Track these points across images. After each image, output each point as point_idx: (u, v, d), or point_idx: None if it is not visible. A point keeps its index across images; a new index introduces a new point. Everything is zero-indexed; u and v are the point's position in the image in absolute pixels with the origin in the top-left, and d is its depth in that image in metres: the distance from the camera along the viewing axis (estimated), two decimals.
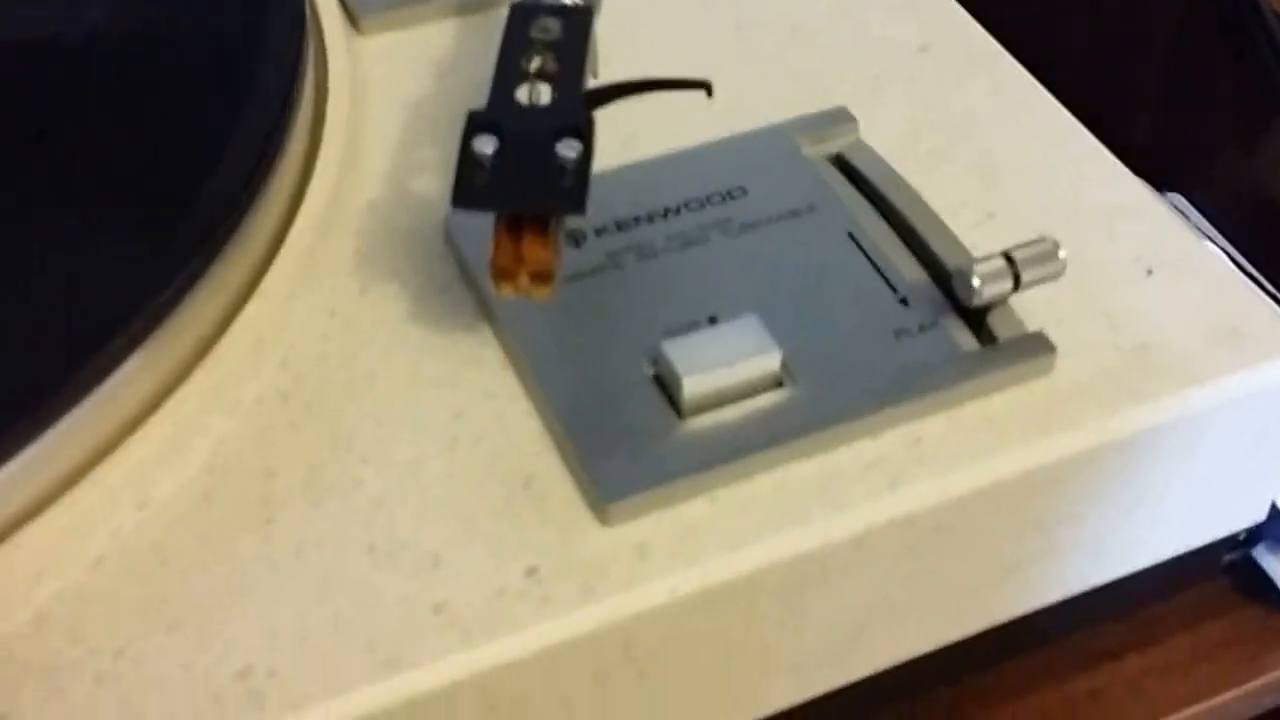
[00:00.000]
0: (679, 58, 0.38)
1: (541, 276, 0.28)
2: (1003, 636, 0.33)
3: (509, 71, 0.30)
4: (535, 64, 0.30)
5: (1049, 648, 0.35)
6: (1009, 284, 0.29)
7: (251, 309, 0.31)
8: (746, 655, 0.29)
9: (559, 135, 0.28)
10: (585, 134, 0.28)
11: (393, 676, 0.26)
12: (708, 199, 0.34)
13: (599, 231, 0.33)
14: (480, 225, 0.32)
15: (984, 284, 0.29)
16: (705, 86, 0.30)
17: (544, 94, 0.30)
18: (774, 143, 0.35)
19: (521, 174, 0.28)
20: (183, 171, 0.32)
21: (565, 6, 0.32)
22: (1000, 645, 0.33)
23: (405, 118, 0.36)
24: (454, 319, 0.32)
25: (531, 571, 0.27)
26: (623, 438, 0.29)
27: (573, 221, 0.33)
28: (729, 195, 0.34)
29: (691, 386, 0.29)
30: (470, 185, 0.28)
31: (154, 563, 0.28)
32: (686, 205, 0.34)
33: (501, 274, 0.28)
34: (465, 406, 0.30)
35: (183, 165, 0.32)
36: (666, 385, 0.30)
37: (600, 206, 0.34)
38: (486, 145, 0.28)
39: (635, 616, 0.27)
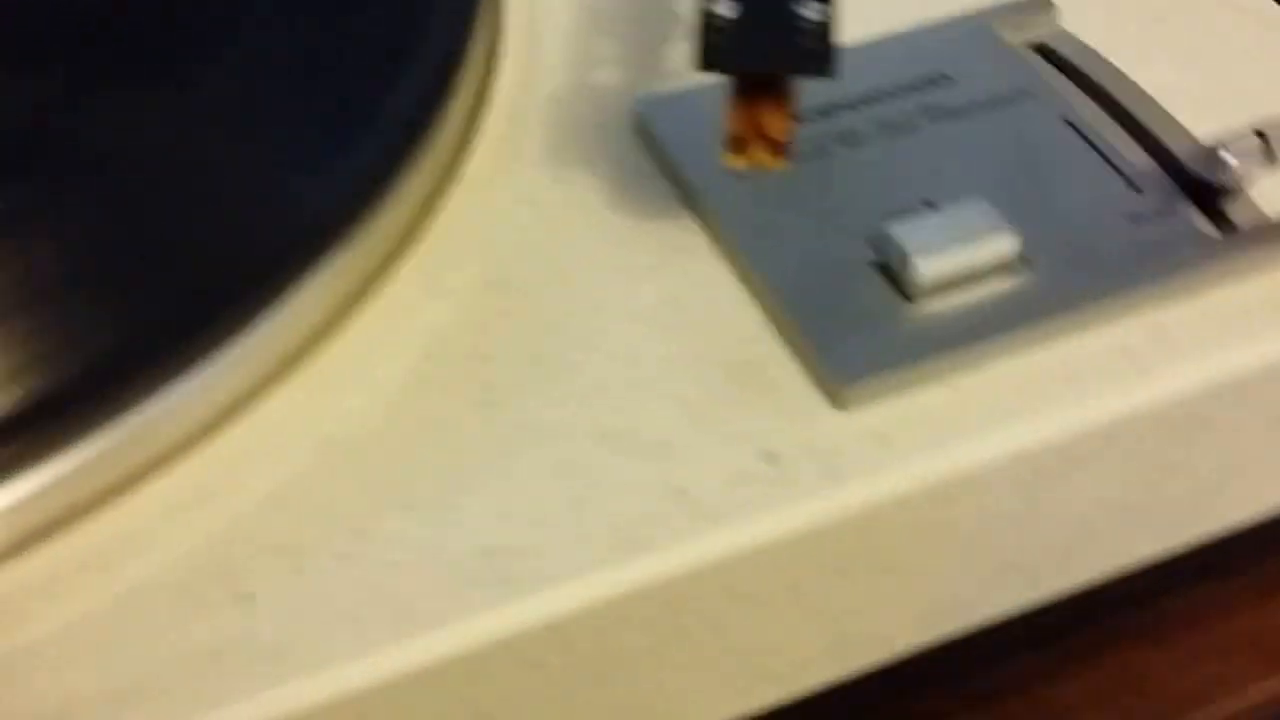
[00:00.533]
0: None
1: (779, 146, 0.27)
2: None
3: None
4: None
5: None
6: (1263, 161, 0.28)
7: (454, 197, 0.30)
8: (977, 551, 0.29)
9: None
10: None
11: (639, 559, 0.25)
12: (911, 86, 0.33)
13: (800, 119, 0.32)
14: (677, 114, 0.32)
15: (1240, 161, 0.28)
16: None
17: None
18: (974, 30, 0.34)
19: (765, 36, 0.27)
20: (382, 59, 0.31)
21: None
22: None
23: (578, 10, 0.35)
24: (654, 208, 0.31)
25: (769, 456, 0.27)
26: (852, 322, 0.28)
27: None
28: (932, 82, 0.33)
29: (924, 268, 0.28)
30: (715, 47, 0.27)
31: (381, 444, 0.27)
32: (889, 92, 0.33)
33: (736, 144, 0.27)
34: (678, 294, 0.29)
35: (382, 53, 0.31)
36: (893, 269, 0.29)
37: (806, 92, 0.33)
38: (726, 8, 0.27)
39: (878, 504, 0.26)
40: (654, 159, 0.32)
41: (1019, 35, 0.34)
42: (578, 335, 0.29)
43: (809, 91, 0.32)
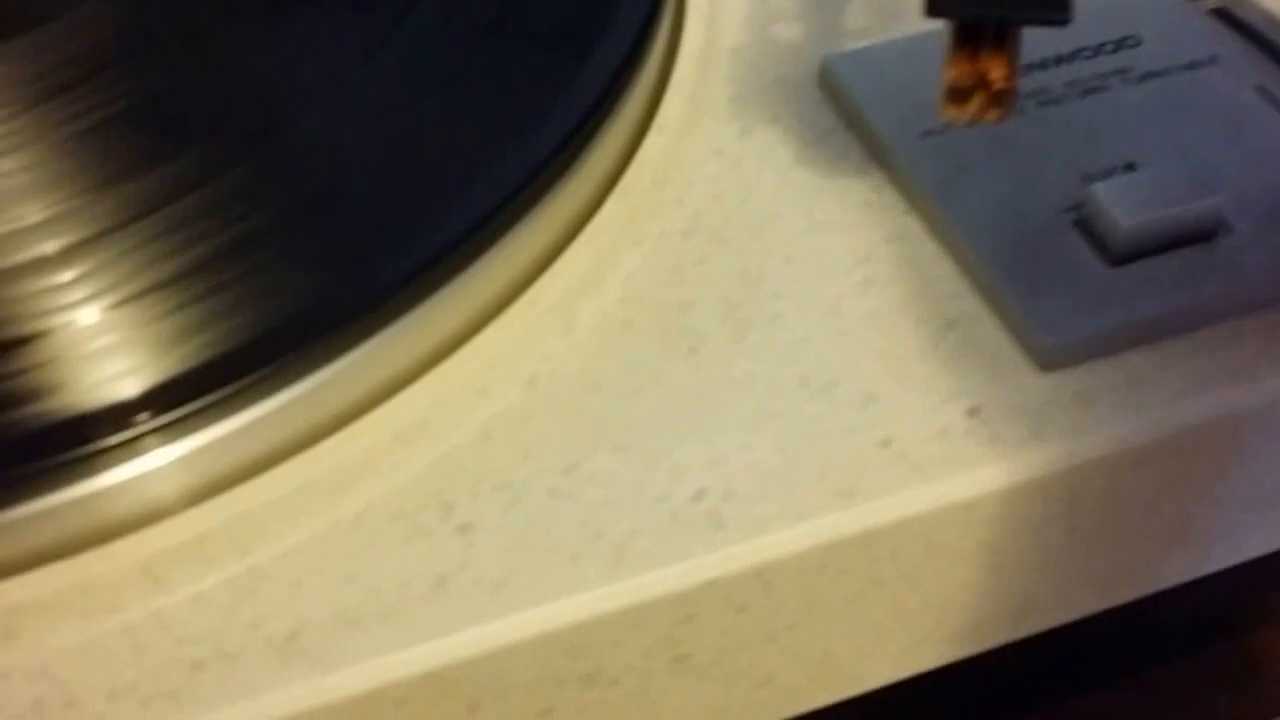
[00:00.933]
0: None
1: (1003, 96, 0.27)
2: None
3: None
4: None
5: None
6: None
7: (649, 144, 0.31)
8: (1164, 517, 0.29)
9: None
10: None
11: (851, 507, 0.25)
12: (1100, 47, 0.33)
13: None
14: (867, 69, 0.32)
15: None
16: None
17: None
18: None
19: None
20: (585, 14, 0.31)
21: None
22: None
23: None
24: (842, 163, 0.31)
25: (973, 412, 0.27)
26: (1053, 282, 0.28)
27: None
28: (1121, 44, 0.33)
29: (1128, 229, 0.28)
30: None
31: (586, 386, 0.27)
32: (1079, 53, 0.33)
33: (958, 95, 0.27)
34: (871, 249, 0.29)
35: (584, 8, 0.31)
36: (1095, 229, 0.29)
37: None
38: None
39: (1082, 465, 0.26)
40: (840, 114, 0.32)
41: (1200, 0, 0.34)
42: (774, 287, 0.29)
43: None
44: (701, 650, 0.26)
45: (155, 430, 0.23)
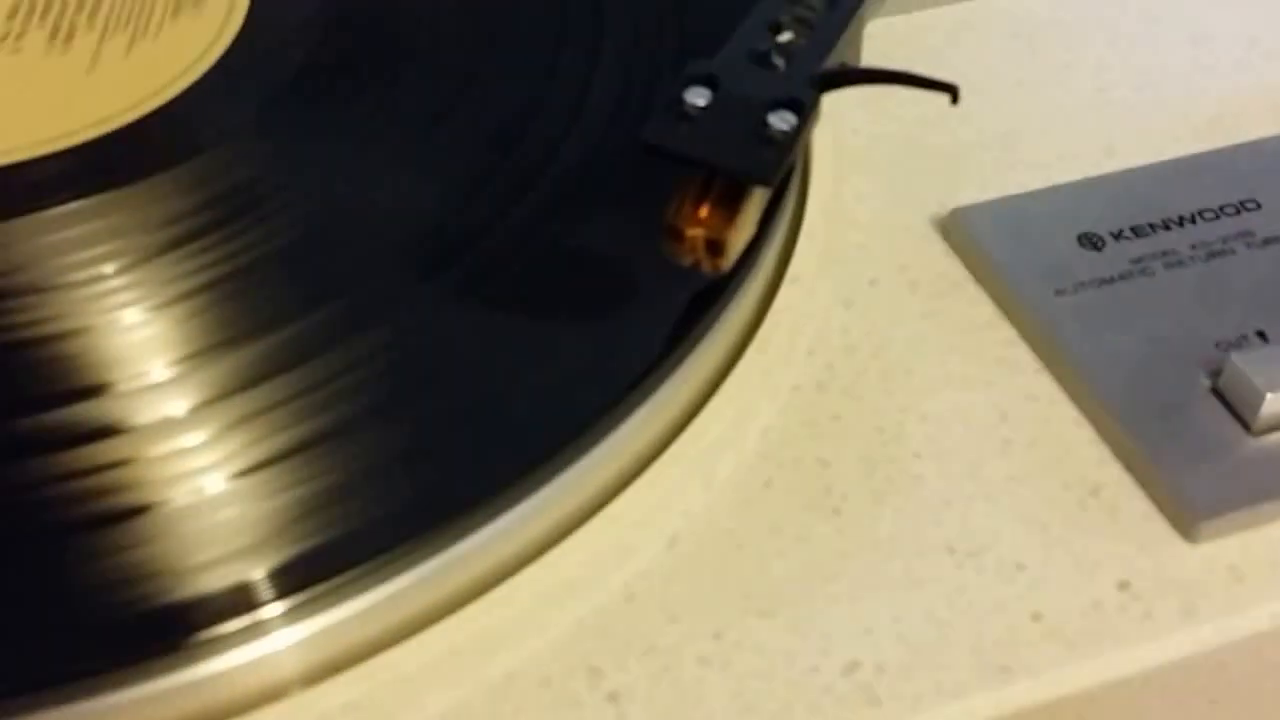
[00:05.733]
0: (1140, 73, 0.37)
1: (716, 247, 0.26)
2: None
3: (752, 37, 0.28)
4: (784, 37, 0.29)
5: None
6: None
7: (783, 296, 0.30)
8: None
9: (776, 106, 0.27)
10: (804, 110, 0.27)
11: (1006, 686, 0.25)
12: (1220, 209, 0.33)
13: (1117, 235, 0.32)
14: (997, 224, 0.32)
15: None
16: (952, 90, 0.28)
17: (779, 66, 0.28)
18: (1275, 154, 0.34)
19: (725, 133, 0.26)
20: None
21: None
22: None
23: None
24: (972, 317, 0.31)
25: (1124, 585, 0.26)
26: (1197, 451, 0.28)
27: (1091, 226, 0.32)
28: (1242, 207, 0.33)
29: (1274, 403, 0.28)
30: (668, 127, 0.26)
31: (729, 545, 0.27)
32: (1200, 215, 0.33)
33: (670, 231, 0.26)
34: (1009, 408, 0.29)
35: None
36: (1232, 399, 0.28)
37: (1111, 210, 0.33)
38: (699, 97, 0.27)
39: (1235, 642, 0.26)
40: (968, 266, 0.32)
41: None
42: (913, 445, 0.29)
43: (1117, 212, 0.32)
44: None
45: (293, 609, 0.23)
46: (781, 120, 0.27)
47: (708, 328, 0.28)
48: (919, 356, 0.30)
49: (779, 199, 0.30)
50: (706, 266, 0.26)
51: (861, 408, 0.29)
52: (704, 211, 0.26)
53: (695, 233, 0.26)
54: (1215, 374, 0.29)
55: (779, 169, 0.26)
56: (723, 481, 0.28)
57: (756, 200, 0.27)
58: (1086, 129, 0.35)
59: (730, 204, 0.26)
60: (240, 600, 0.22)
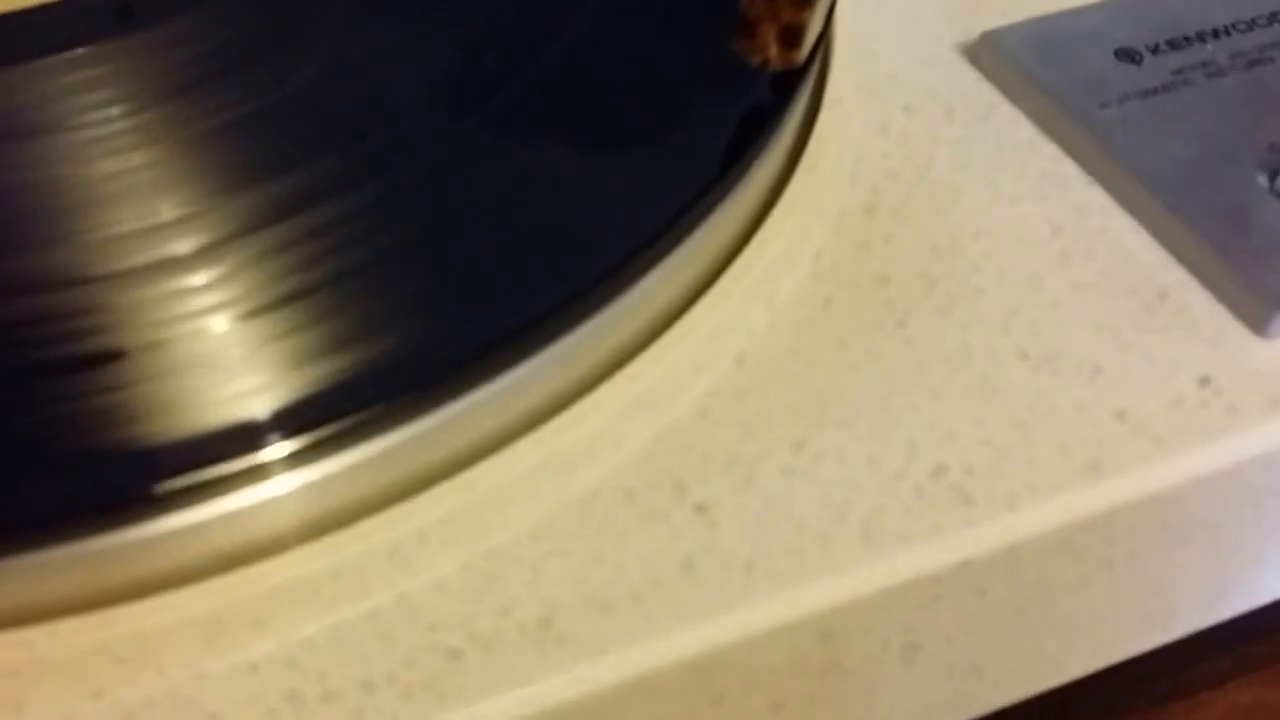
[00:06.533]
0: None
1: (791, 37, 0.25)
2: None
3: None
4: None
5: None
6: None
7: (824, 119, 0.29)
8: None
9: None
10: None
11: (1100, 483, 0.24)
12: (1253, 21, 0.32)
13: (1154, 50, 0.31)
14: (1035, 43, 0.31)
15: None
16: None
17: None
18: None
19: None
20: None
21: None
22: None
23: None
24: (1013, 137, 0.30)
25: (1205, 381, 0.25)
26: (1261, 249, 0.27)
27: (1125, 42, 0.31)
28: (1274, 18, 0.32)
29: None
30: None
31: (798, 361, 0.25)
32: (1233, 27, 0.32)
33: (747, 27, 0.25)
34: (1062, 222, 0.28)
35: None
36: None
37: (1144, 25, 0.32)
38: None
39: None
40: (1002, 89, 0.31)
41: None
42: (968, 260, 0.28)
43: (1150, 25, 0.31)
44: (932, 639, 0.25)
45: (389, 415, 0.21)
46: None
47: (759, 150, 0.27)
48: (964, 177, 0.29)
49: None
50: (778, 62, 0.25)
51: (913, 228, 0.28)
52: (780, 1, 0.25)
53: (770, 23, 0.25)
54: (1273, 174, 0.28)
55: None
56: (783, 301, 0.26)
57: None
58: None
59: None
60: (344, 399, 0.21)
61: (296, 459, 0.21)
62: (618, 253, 0.24)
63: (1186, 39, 0.32)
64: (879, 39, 0.32)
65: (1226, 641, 0.30)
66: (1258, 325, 0.26)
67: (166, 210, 0.25)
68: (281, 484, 0.21)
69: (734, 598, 0.22)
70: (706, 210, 0.26)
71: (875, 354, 0.26)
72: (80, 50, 0.27)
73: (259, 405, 0.22)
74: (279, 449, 0.21)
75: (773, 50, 0.25)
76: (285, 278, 0.23)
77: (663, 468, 0.24)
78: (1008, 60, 0.31)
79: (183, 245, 0.24)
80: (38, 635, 0.21)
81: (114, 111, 0.26)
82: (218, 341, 0.23)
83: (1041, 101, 0.30)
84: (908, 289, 0.27)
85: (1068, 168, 0.29)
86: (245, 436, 0.21)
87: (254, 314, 0.23)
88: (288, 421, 0.21)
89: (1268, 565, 0.28)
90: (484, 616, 0.21)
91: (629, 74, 0.28)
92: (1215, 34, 0.32)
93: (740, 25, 0.25)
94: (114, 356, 0.23)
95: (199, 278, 0.24)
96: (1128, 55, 0.31)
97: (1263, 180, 0.28)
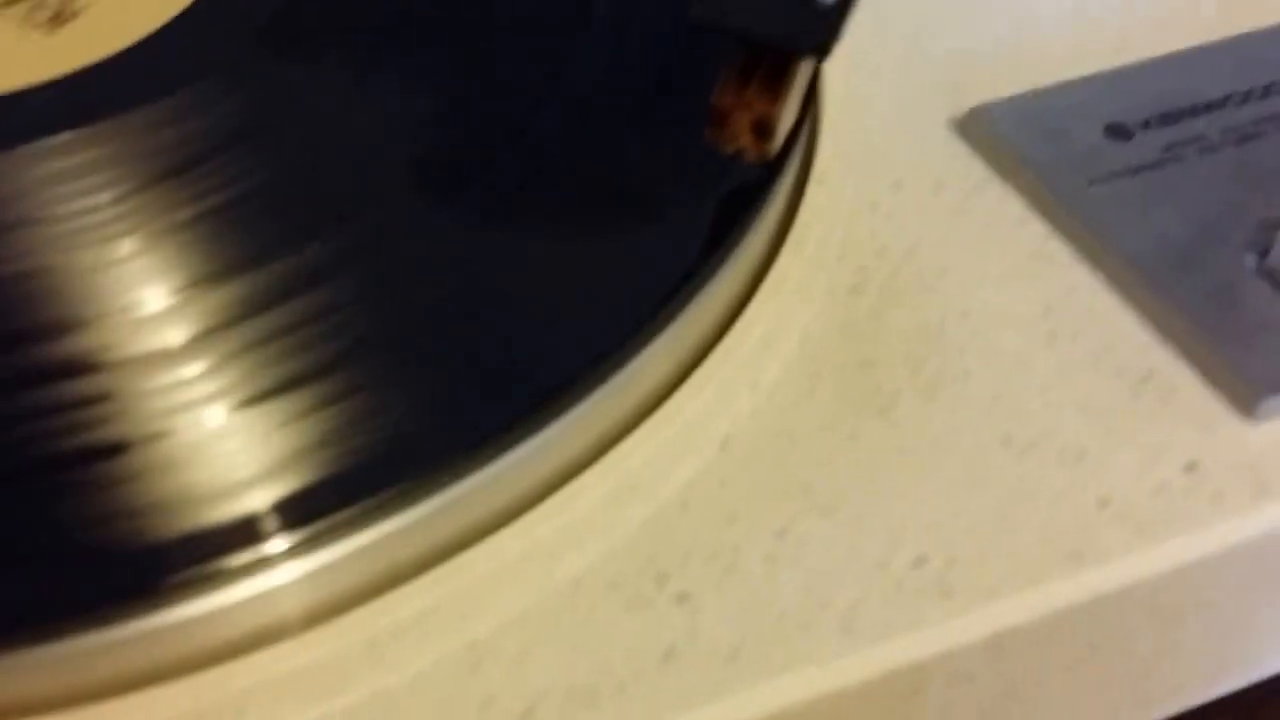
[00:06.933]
0: None
1: (763, 129, 0.25)
2: None
3: None
4: None
5: None
6: None
7: (811, 196, 0.30)
8: None
9: None
10: None
11: (1080, 573, 0.24)
12: (1247, 94, 0.32)
13: (1144, 125, 0.31)
14: (1022, 119, 0.31)
15: None
16: None
17: None
18: None
19: (771, 3, 0.25)
20: None
21: None
22: None
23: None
24: (1002, 214, 0.30)
25: (1191, 467, 0.25)
26: (1248, 331, 0.27)
27: (1116, 117, 0.31)
28: (1269, 90, 0.32)
29: None
30: (710, 1, 0.25)
31: (782, 445, 0.26)
32: (1226, 100, 0.32)
33: (719, 116, 0.25)
34: (1050, 301, 0.28)
35: None
36: None
37: (1137, 99, 0.32)
38: None
39: None
40: (991, 165, 0.31)
41: None
42: (955, 341, 0.28)
43: (1142, 101, 0.32)
44: None
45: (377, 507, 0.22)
46: None
47: (744, 229, 0.27)
48: (952, 256, 0.29)
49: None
50: (752, 153, 0.25)
51: (900, 308, 0.28)
52: (751, 90, 0.25)
53: (741, 115, 0.25)
54: (1262, 254, 0.28)
55: (831, 38, 0.25)
56: (769, 383, 0.27)
57: (802, 76, 0.26)
58: (1097, 21, 0.34)
59: (776, 80, 0.25)
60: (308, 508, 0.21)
61: (282, 556, 0.21)
62: (601, 343, 0.24)
63: (1179, 113, 0.32)
64: (870, 112, 0.33)
65: (1236, 706, 0.30)
66: (1245, 408, 0.26)
67: (156, 300, 0.25)
68: (265, 580, 0.21)
69: (716, 688, 0.22)
70: (690, 295, 0.26)
71: (860, 438, 0.26)
72: (64, 135, 0.27)
73: (253, 500, 0.22)
74: (267, 547, 0.21)
75: (746, 141, 0.25)
76: (259, 372, 0.23)
77: (645, 557, 0.24)
78: (997, 136, 0.31)
79: (175, 335, 0.24)
80: None
81: (103, 198, 0.26)
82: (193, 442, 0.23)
83: (1030, 178, 0.30)
84: (894, 371, 0.27)
85: (1057, 246, 0.30)
86: (229, 535, 0.21)
87: (236, 408, 0.23)
88: (277, 518, 0.21)
89: (1270, 638, 0.28)
90: (464, 710, 0.21)
91: (611, 159, 0.28)
92: (1208, 107, 0.32)
93: (712, 117, 0.25)
94: (109, 452, 0.23)
95: (192, 368, 0.24)
96: (1118, 131, 0.31)
97: (1251, 259, 0.28)
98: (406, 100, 0.29)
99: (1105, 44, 0.34)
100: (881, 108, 0.32)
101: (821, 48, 0.25)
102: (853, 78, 0.33)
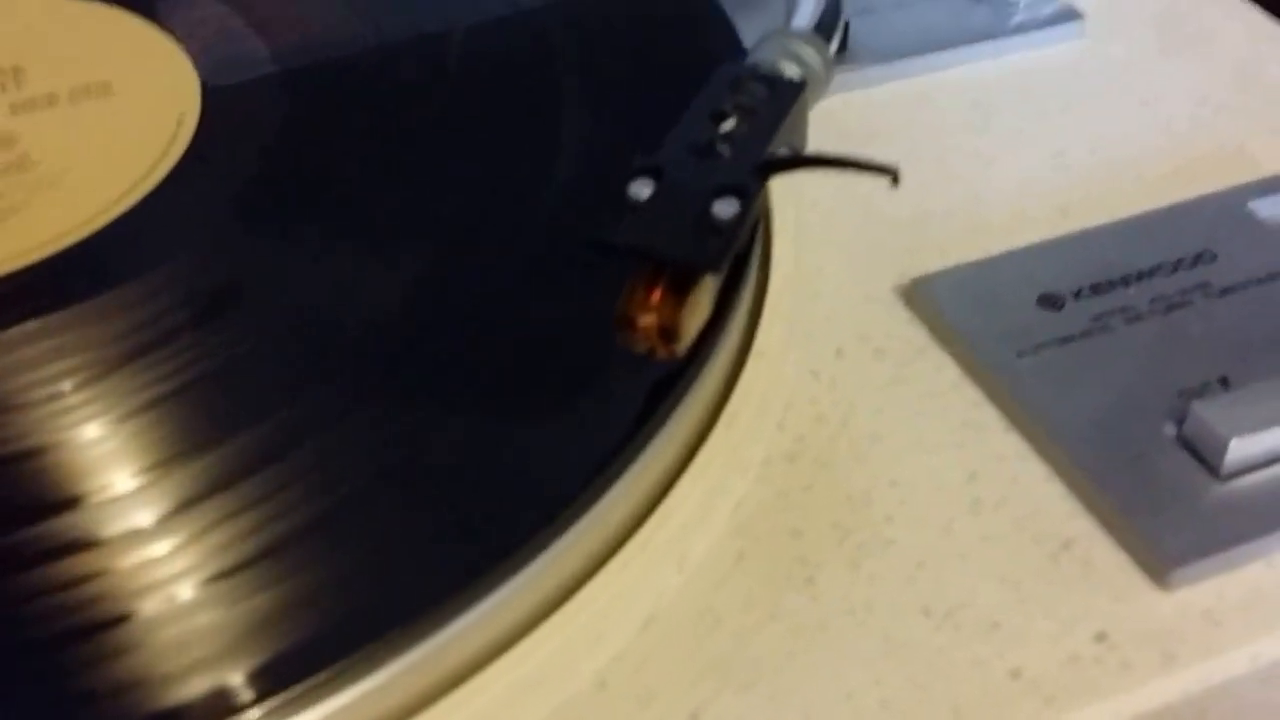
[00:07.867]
0: (1094, 136, 0.37)
1: (669, 333, 0.26)
2: None
3: (695, 126, 0.29)
4: (727, 125, 0.29)
5: None
6: None
7: (750, 370, 0.31)
8: None
9: (720, 193, 0.27)
10: (747, 196, 0.27)
11: None
12: (1176, 264, 0.33)
13: (1076, 295, 0.32)
14: (958, 290, 0.32)
15: None
16: (892, 173, 0.27)
17: (723, 153, 0.28)
18: (1227, 208, 0.34)
19: (671, 223, 0.27)
20: None
21: (777, 78, 0.30)
22: None
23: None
24: (938, 381, 0.31)
25: (1101, 637, 0.26)
26: (1167, 500, 0.28)
27: (1050, 287, 0.33)
28: (1198, 259, 0.33)
29: (1238, 449, 0.28)
30: (614, 222, 0.27)
31: (705, 623, 0.27)
32: (1156, 270, 0.33)
33: (622, 321, 0.26)
34: (977, 469, 0.29)
35: None
36: (1198, 446, 0.29)
37: (1072, 269, 0.33)
38: (643, 189, 0.27)
39: (1215, 687, 0.26)
40: (931, 332, 0.32)
41: (1273, 210, 0.34)
42: (882, 510, 0.29)
43: (1074, 271, 0.33)
44: None
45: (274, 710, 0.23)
46: (726, 207, 0.27)
47: (673, 408, 0.28)
48: (887, 423, 0.30)
49: (740, 275, 0.30)
50: (661, 353, 0.27)
51: (832, 477, 0.29)
52: (655, 298, 0.26)
53: (648, 320, 0.26)
54: (1180, 422, 0.29)
55: (725, 256, 0.26)
56: (696, 560, 0.28)
57: (708, 285, 0.27)
58: (1043, 193, 0.36)
59: (681, 290, 0.26)
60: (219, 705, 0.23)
61: None
62: (525, 523, 0.26)
63: (1110, 283, 0.33)
64: (821, 277, 0.34)
65: None
66: (1158, 577, 0.27)
67: (124, 481, 0.27)
68: None
69: None
70: (617, 474, 0.27)
71: (781, 613, 0.27)
72: (30, 324, 0.29)
73: (227, 674, 0.23)
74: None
75: (654, 343, 0.27)
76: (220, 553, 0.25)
77: None
78: (935, 306, 0.33)
79: (144, 516, 0.26)
80: None
81: (65, 385, 0.28)
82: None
83: (963, 349, 0.32)
84: (820, 542, 0.28)
85: (988, 413, 0.31)
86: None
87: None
88: (254, 686, 0.23)
89: None
90: None
91: (542, 337, 0.29)
92: (1139, 276, 0.33)
93: (619, 322, 0.27)
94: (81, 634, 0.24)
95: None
96: (1050, 301, 0.32)
97: (1170, 429, 0.29)
98: (352, 283, 0.31)
99: (1051, 212, 0.35)
100: (833, 271, 0.34)
101: (716, 266, 0.26)
102: (806, 242, 0.34)
